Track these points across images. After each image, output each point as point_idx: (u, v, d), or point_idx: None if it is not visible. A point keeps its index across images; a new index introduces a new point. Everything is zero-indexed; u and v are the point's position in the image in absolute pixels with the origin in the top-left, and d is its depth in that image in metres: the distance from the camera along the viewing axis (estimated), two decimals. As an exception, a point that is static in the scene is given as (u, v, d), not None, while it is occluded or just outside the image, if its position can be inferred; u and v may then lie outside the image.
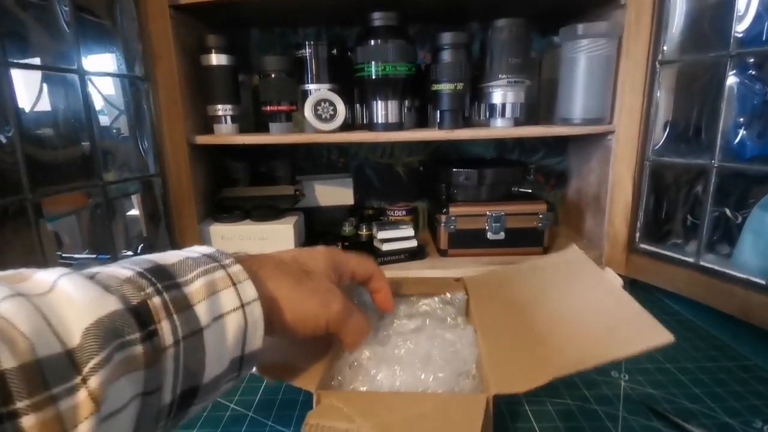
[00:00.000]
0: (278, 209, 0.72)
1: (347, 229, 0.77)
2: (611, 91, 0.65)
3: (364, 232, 0.75)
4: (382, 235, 0.69)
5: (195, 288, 0.22)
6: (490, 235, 0.69)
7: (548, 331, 0.37)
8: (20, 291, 0.17)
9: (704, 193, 0.58)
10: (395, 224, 0.71)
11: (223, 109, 0.69)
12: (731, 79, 0.55)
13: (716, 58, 0.56)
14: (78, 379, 0.16)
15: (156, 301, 0.20)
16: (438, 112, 0.67)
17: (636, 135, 0.64)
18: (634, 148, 0.64)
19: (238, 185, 0.75)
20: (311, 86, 0.68)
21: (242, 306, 0.24)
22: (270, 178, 0.76)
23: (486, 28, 0.67)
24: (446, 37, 0.63)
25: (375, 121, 0.66)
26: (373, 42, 0.63)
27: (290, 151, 0.84)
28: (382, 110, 0.65)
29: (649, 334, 0.33)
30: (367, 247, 0.72)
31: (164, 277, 0.22)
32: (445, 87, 0.64)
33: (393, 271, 0.65)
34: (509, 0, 0.67)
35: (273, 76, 0.66)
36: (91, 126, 0.55)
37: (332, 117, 0.65)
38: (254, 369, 0.29)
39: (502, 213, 0.69)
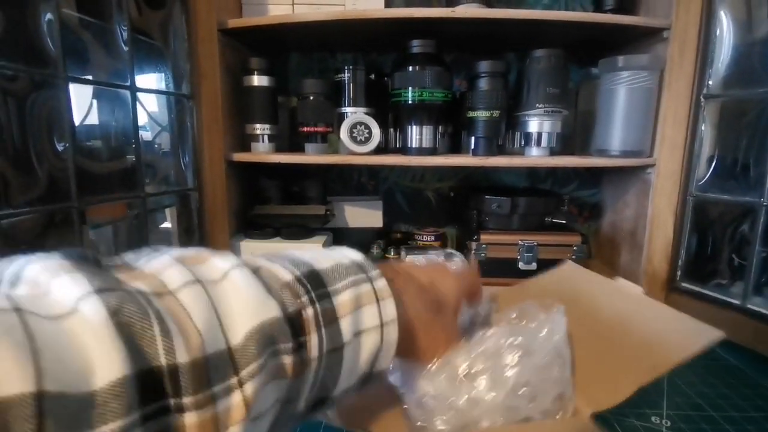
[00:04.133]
0: (308, 228, 0.73)
1: (375, 251, 0.76)
2: (651, 124, 0.64)
3: (392, 255, 0.75)
4: (410, 259, 0.68)
5: (343, 300, 0.22)
6: (521, 265, 0.68)
7: (608, 341, 0.35)
8: (198, 276, 0.18)
9: (752, 231, 0.56)
10: (424, 249, 0.71)
11: (261, 128, 0.71)
12: (782, 116, 0.53)
13: (765, 93, 0.54)
14: (235, 380, 0.17)
15: (309, 312, 0.20)
16: (473, 138, 0.67)
17: (678, 170, 0.62)
18: (677, 183, 0.62)
19: (271, 203, 0.77)
20: (348, 109, 0.70)
21: (381, 325, 0.23)
22: (301, 197, 0.77)
23: (522, 58, 0.67)
24: (484, 65, 0.64)
25: (409, 145, 0.66)
26: (410, 68, 0.64)
27: (322, 172, 0.86)
28: (417, 135, 0.66)
29: (700, 333, 0.32)
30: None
31: (318, 285, 0.22)
32: (481, 114, 0.64)
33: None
34: (546, 31, 0.68)
35: (311, 98, 0.68)
36: (138, 139, 0.57)
37: (367, 140, 0.66)
38: (332, 419, 0.29)
39: (535, 243, 0.67)
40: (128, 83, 0.55)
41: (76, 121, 0.50)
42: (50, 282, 0.16)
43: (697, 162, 0.61)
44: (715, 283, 0.61)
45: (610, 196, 0.81)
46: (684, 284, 0.63)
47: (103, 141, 0.55)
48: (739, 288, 0.57)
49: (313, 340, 0.20)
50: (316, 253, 0.24)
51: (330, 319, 0.21)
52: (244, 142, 0.73)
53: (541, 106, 0.64)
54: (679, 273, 0.64)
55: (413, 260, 0.36)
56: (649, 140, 0.64)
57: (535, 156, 0.66)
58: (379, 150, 0.70)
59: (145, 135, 0.63)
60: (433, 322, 0.28)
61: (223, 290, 0.18)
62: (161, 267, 0.18)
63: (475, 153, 0.67)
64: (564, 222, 0.71)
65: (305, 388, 0.21)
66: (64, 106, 0.46)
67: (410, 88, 0.62)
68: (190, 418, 0.15)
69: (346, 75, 0.69)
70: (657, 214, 0.64)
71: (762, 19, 0.56)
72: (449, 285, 0.31)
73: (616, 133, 0.64)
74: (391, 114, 0.75)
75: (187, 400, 0.15)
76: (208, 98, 0.65)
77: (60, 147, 0.45)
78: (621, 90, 0.63)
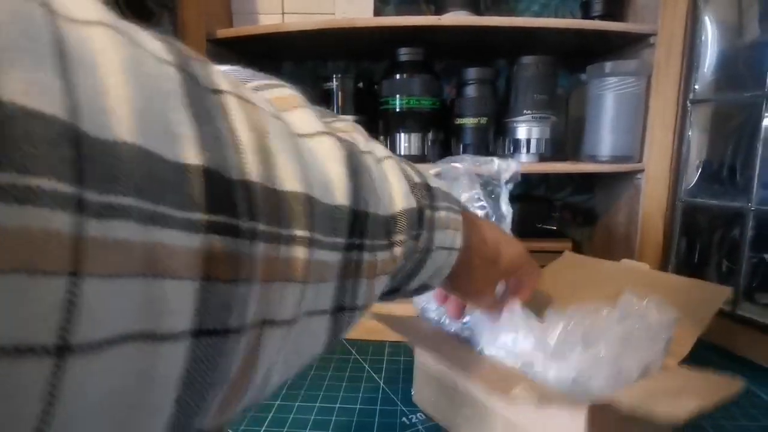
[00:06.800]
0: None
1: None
2: (640, 129, 0.64)
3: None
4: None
5: (440, 216, 0.25)
6: (511, 272, 0.67)
7: None
8: (373, 150, 0.21)
9: (741, 237, 0.55)
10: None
11: (251, 137, 0.71)
12: (768, 120, 0.53)
13: (751, 98, 0.54)
14: (386, 242, 0.20)
15: (427, 213, 0.23)
16: (461, 145, 0.67)
17: (667, 174, 0.62)
18: (665, 188, 0.62)
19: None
20: (337, 117, 0.70)
21: (450, 249, 0.26)
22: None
23: (512, 65, 0.67)
24: (471, 73, 0.64)
25: (397, 153, 0.66)
26: (398, 76, 0.64)
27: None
28: (405, 142, 0.66)
29: (712, 292, 0.41)
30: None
31: (431, 196, 0.25)
32: (468, 121, 0.64)
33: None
34: (536, 38, 0.68)
35: (300, 106, 0.68)
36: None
37: (356, 147, 0.66)
38: None
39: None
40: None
41: None
42: (296, 105, 0.18)
43: (686, 167, 0.61)
44: (706, 288, 0.61)
45: (603, 201, 0.81)
46: (675, 290, 0.63)
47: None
48: (730, 294, 0.57)
49: (423, 235, 0.23)
50: (421, 168, 0.27)
51: (432, 225, 0.24)
52: (235, 150, 0.73)
53: (528, 112, 0.64)
54: (670, 279, 0.63)
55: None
56: (638, 145, 0.64)
57: (525, 162, 0.66)
58: (369, 157, 0.70)
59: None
60: (487, 274, 0.32)
61: (385, 170, 0.21)
62: (354, 133, 0.20)
63: (464, 160, 0.66)
64: (555, 228, 0.71)
65: (402, 271, 0.23)
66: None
67: (398, 96, 0.63)
68: (367, 257, 0.18)
69: (335, 83, 0.70)
70: (647, 219, 0.64)
71: (745, 25, 0.56)
72: (512, 245, 0.34)
73: (605, 138, 0.64)
74: (381, 122, 0.75)
75: (367, 242, 0.18)
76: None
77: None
78: (609, 96, 0.63)
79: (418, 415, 0.44)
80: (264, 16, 0.71)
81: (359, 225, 0.17)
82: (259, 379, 0.14)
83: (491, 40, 0.70)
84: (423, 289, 0.28)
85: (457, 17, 0.64)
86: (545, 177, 0.86)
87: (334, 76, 0.70)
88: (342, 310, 0.18)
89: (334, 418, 0.44)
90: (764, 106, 0.52)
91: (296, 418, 0.44)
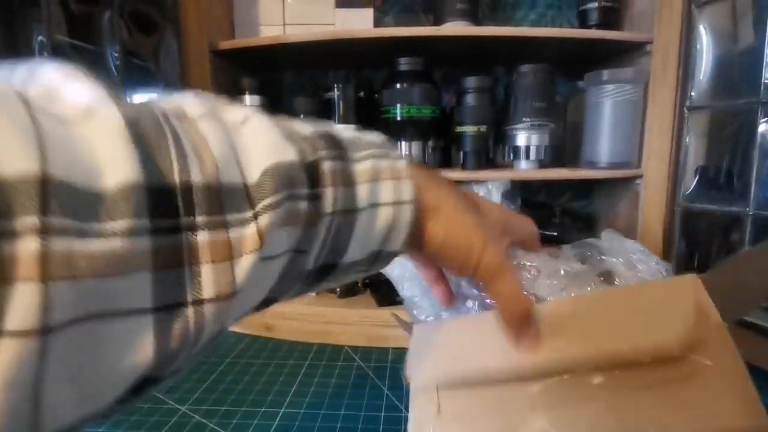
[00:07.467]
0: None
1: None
2: (638, 136, 0.65)
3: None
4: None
5: (362, 168, 0.21)
6: (513, 278, 0.68)
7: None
8: (219, 114, 0.18)
9: (740, 242, 0.56)
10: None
11: (253, 147, 0.72)
12: (763, 126, 0.53)
13: (746, 104, 0.55)
14: (250, 214, 0.16)
15: (327, 166, 0.20)
16: (462, 153, 0.67)
17: (665, 180, 0.63)
18: (664, 193, 0.63)
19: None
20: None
21: (395, 203, 0.22)
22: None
23: (511, 73, 0.68)
24: (470, 81, 0.65)
25: (399, 161, 0.67)
26: (398, 85, 0.65)
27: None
28: (406, 150, 0.66)
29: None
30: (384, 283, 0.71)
31: (337, 147, 0.21)
32: (468, 129, 0.65)
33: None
34: (533, 47, 0.69)
35: (302, 116, 0.69)
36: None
37: (357, 156, 0.67)
38: None
39: (526, 255, 0.67)
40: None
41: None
42: (65, 85, 0.15)
43: (684, 172, 0.62)
44: (707, 293, 0.61)
45: (602, 206, 0.82)
46: (676, 295, 0.63)
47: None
48: (730, 298, 0.57)
49: (328, 194, 0.19)
50: (334, 125, 0.23)
51: (347, 181, 0.20)
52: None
53: (527, 119, 0.65)
54: (670, 283, 0.64)
55: None
56: (636, 151, 0.65)
57: (524, 169, 0.67)
58: (370, 166, 0.71)
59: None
60: (463, 212, 0.25)
61: (242, 132, 0.18)
62: (182, 100, 0.18)
63: (464, 167, 0.67)
64: (555, 234, 0.71)
65: (316, 243, 0.20)
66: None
67: (398, 105, 0.63)
68: (202, 236, 0.15)
69: (336, 93, 0.71)
70: (646, 225, 0.65)
71: (740, 33, 0.57)
72: (488, 202, 0.29)
73: (604, 144, 0.65)
74: (381, 131, 0.75)
75: (200, 219, 0.15)
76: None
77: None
78: (607, 103, 0.64)
79: (422, 421, 0.44)
80: (265, 28, 0.72)
81: (173, 201, 0.14)
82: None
83: (490, 49, 0.71)
84: (376, 260, 0.24)
85: (455, 27, 0.65)
86: (546, 183, 0.87)
87: (335, 86, 0.71)
88: (174, 307, 0.14)
89: (339, 424, 0.44)
90: (759, 113, 0.53)
91: (302, 425, 0.44)
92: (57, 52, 0.46)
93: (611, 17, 0.68)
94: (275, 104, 0.81)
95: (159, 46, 0.62)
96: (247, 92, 0.71)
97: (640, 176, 0.65)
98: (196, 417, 0.45)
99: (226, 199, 0.16)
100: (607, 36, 0.64)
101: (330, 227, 0.20)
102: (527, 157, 0.66)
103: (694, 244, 0.63)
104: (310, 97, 0.71)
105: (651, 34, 0.62)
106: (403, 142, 0.66)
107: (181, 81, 0.64)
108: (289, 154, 0.18)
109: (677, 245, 0.63)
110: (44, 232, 0.11)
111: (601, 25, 0.68)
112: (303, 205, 0.18)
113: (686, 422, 0.22)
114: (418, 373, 0.30)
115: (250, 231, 0.16)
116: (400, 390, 0.49)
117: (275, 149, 0.18)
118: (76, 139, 0.13)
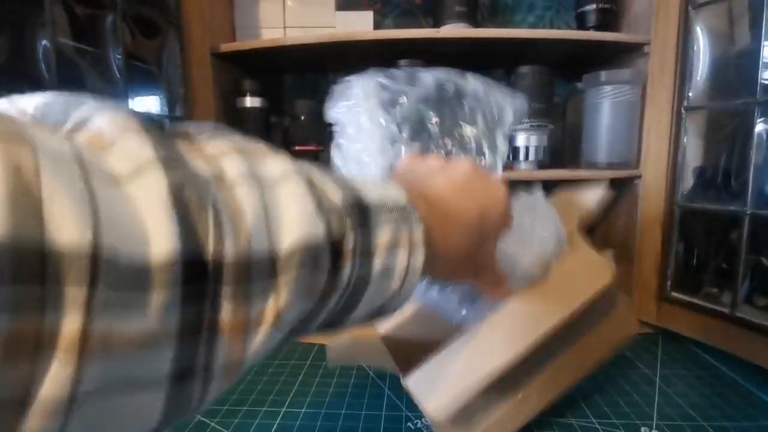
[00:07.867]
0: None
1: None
2: (636, 137, 0.65)
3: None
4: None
5: (382, 239, 0.22)
6: (512, 278, 0.68)
7: None
8: (256, 173, 0.18)
9: (738, 241, 0.56)
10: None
11: (254, 148, 0.73)
12: (760, 126, 0.54)
13: (744, 105, 0.55)
14: (273, 285, 0.17)
15: (350, 240, 0.20)
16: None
17: (663, 180, 0.63)
18: (662, 194, 0.63)
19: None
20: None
21: (407, 271, 0.23)
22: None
23: (510, 74, 0.68)
24: (470, 83, 0.65)
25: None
26: (398, 87, 0.66)
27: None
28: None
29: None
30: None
31: (363, 215, 0.21)
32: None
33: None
34: (532, 49, 0.70)
35: (303, 118, 0.70)
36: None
37: (357, 157, 0.68)
38: None
39: (526, 256, 0.68)
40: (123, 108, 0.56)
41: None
42: (116, 138, 0.15)
43: (682, 172, 0.62)
44: (705, 292, 0.62)
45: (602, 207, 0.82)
46: (675, 294, 0.63)
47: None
48: (729, 297, 0.57)
49: (346, 267, 0.20)
50: (363, 180, 0.23)
51: (366, 252, 0.21)
52: (239, 161, 0.75)
53: (526, 120, 0.65)
54: (669, 283, 0.64)
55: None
56: (634, 152, 0.65)
57: (524, 170, 0.67)
58: (371, 167, 0.71)
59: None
60: (464, 261, 0.28)
61: (278, 195, 0.18)
62: (221, 151, 0.18)
63: (464, 168, 0.68)
64: (555, 234, 0.71)
65: (324, 312, 0.21)
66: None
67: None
68: (226, 306, 0.15)
69: (337, 95, 0.71)
70: (645, 225, 0.65)
71: (736, 34, 0.58)
72: (495, 202, 0.30)
73: (602, 145, 0.65)
74: (382, 131, 0.76)
75: (226, 289, 0.15)
76: (201, 121, 0.67)
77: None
78: (605, 104, 0.64)
79: (423, 420, 0.45)
80: (266, 30, 0.73)
81: (204, 271, 0.15)
82: None
83: (489, 51, 0.71)
84: (379, 314, 0.25)
85: (454, 29, 0.66)
86: (544, 183, 0.87)
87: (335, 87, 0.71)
88: (187, 374, 0.15)
89: (340, 423, 0.44)
90: (756, 113, 0.53)
91: (303, 424, 0.44)
92: (60, 55, 0.47)
93: (609, 19, 0.69)
94: (276, 106, 0.82)
95: (161, 49, 0.62)
96: (248, 94, 0.71)
97: (639, 176, 0.65)
98: (197, 416, 0.45)
99: (254, 271, 0.16)
100: (605, 37, 0.65)
101: (341, 298, 0.21)
102: (526, 157, 0.67)
103: (693, 243, 0.64)
104: (310, 99, 0.71)
105: (648, 36, 0.62)
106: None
107: (183, 83, 0.65)
108: (318, 228, 0.18)
109: (676, 245, 0.64)
110: (89, 305, 0.12)
111: (599, 26, 0.68)
112: (322, 279, 0.19)
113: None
114: (437, 405, 0.37)
115: (270, 306, 0.17)
116: (400, 389, 0.50)
117: (306, 221, 0.18)
118: (124, 204, 0.13)
